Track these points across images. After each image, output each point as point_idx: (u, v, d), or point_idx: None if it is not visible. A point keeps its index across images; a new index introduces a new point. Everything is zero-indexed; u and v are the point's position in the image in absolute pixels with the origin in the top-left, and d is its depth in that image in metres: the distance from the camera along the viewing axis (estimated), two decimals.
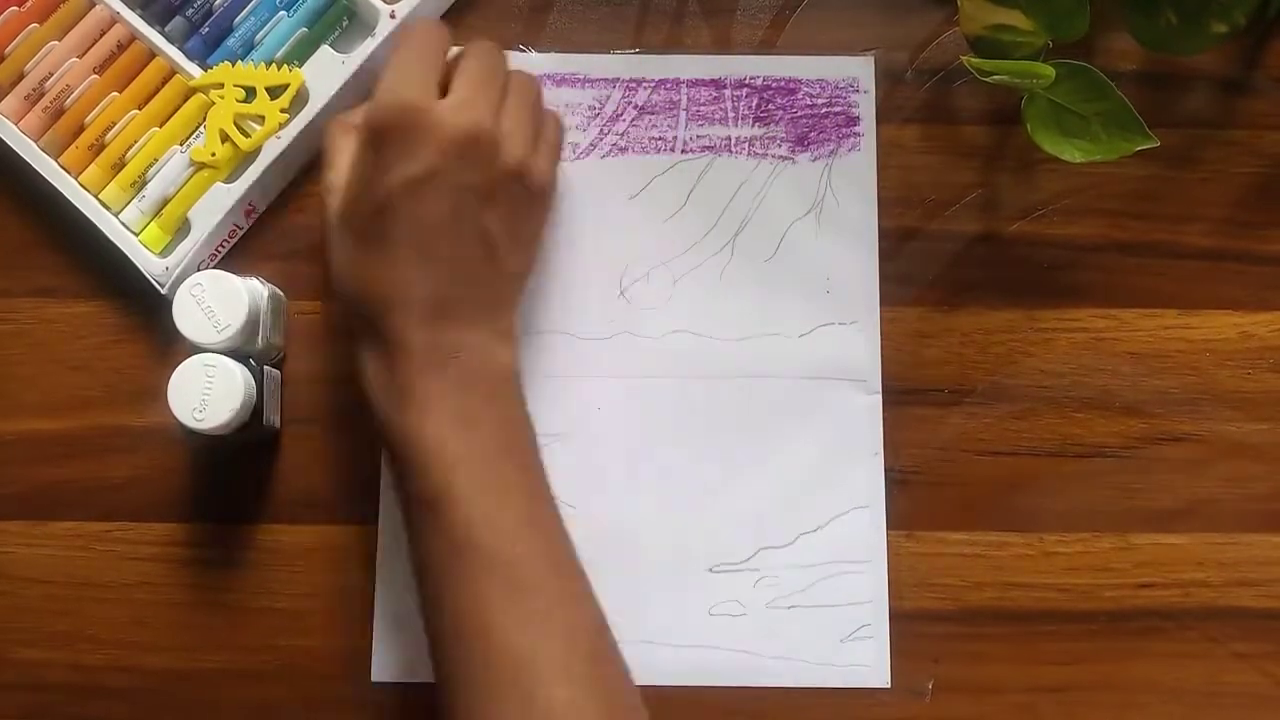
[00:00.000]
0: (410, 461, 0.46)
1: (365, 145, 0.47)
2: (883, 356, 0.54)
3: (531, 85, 0.51)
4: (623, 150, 0.56)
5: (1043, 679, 0.53)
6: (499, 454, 0.47)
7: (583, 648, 0.45)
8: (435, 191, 0.46)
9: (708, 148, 0.56)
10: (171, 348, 0.54)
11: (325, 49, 0.55)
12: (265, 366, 0.52)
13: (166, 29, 0.55)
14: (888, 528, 0.53)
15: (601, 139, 0.56)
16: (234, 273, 0.51)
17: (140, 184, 0.54)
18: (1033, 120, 0.52)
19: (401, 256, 0.47)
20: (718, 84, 0.56)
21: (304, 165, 0.55)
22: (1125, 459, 0.54)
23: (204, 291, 0.50)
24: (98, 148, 0.54)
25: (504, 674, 0.43)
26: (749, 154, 0.56)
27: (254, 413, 0.50)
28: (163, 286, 0.53)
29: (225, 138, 0.54)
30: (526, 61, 0.56)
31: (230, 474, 0.54)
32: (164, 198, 0.54)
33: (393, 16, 0.54)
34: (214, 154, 0.54)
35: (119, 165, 0.54)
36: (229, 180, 0.54)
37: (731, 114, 0.56)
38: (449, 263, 0.47)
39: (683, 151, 0.56)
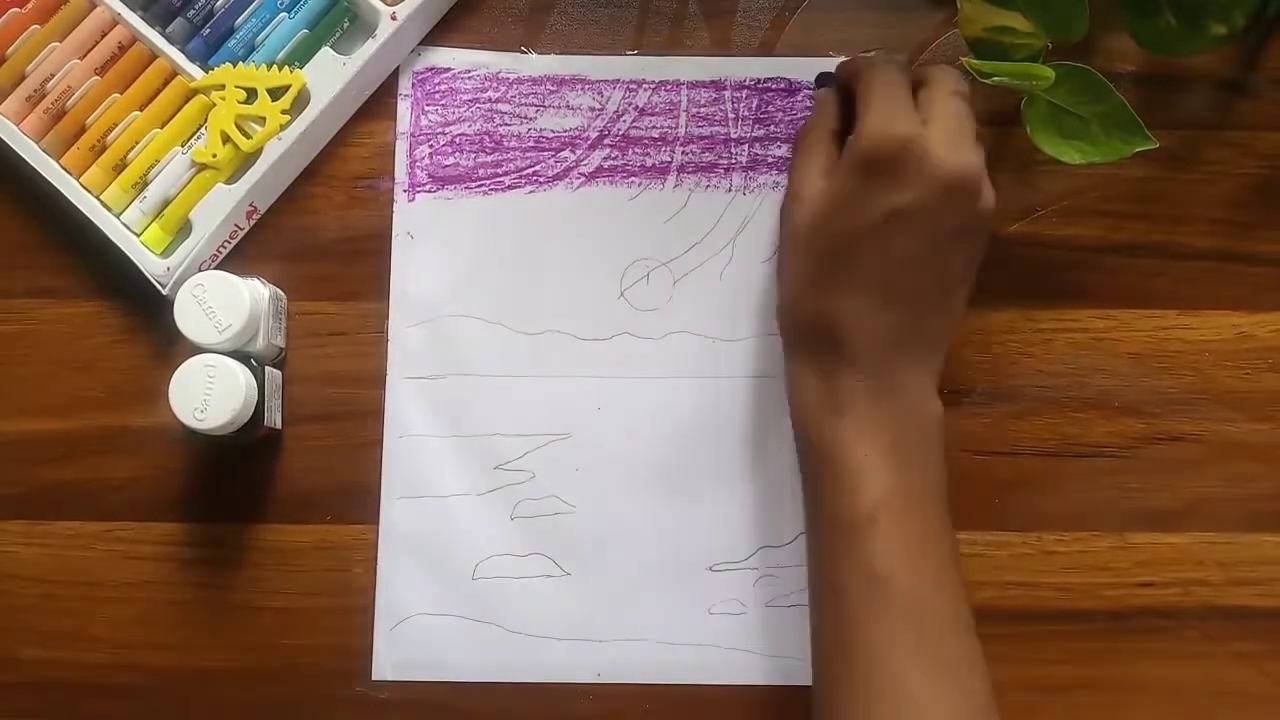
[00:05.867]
0: (838, 479, 0.45)
1: (852, 170, 0.46)
2: None
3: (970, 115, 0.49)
4: (624, 151, 0.56)
5: (1043, 679, 0.53)
6: (927, 499, 0.46)
7: (979, 714, 0.44)
8: (916, 228, 0.46)
9: (708, 149, 0.56)
10: (173, 348, 0.54)
11: (326, 50, 0.55)
12: (266, 367, 0.52)
13: (168, 30, 0.55)
14: None
15: (603, 140, 0.56)
16: (235, 273, 0.51)
17: (141, 185, 0.54)
18: (1032, 122, 0.52)
19: (867, 285, 0.46)
20: (718, 85, 0.57)
21: (305, 166, 0.56)
22: (1125, 459, 0.54)
23: (205, 292, 0.50)
24: (99, 149, 0.54)
25: (900, 715, 0.43)
26: (749, 155, 0.56)
27: (255, 413, 0.50)
28: (164, 287, 0.53)
29: (226, 139, 0.54)
30: (527, 63, 0.56)
31: (230, 474, 0.54)
32: (165, 199, 0.54)
33: (394, 18, 0.55)
34: (215, 155, 0.54)
35: (120, 166, 0.54)
36: (230, 181, 0.54)
37: (732, 115, 0.56)
38: (911, 298, 0.47)
39: (683, 153, 0.56)
